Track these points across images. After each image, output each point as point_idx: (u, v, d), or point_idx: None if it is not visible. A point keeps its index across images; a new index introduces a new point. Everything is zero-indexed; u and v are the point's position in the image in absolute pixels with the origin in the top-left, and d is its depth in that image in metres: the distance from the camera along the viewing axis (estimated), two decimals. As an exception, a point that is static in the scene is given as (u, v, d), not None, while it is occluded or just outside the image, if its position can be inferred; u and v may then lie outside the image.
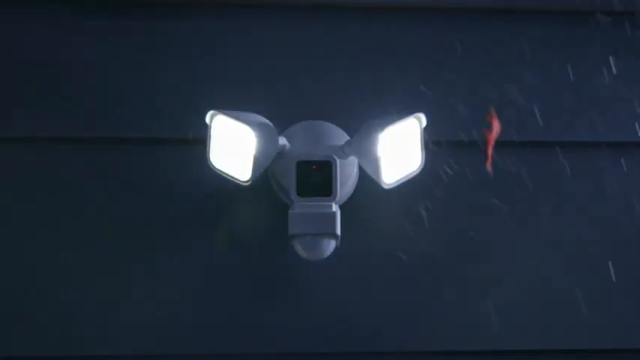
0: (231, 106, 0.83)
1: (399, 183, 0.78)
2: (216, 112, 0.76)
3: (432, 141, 0.86)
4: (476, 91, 0.91)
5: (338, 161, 0.79)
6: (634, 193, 0.91)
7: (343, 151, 0.80)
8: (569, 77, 0.92)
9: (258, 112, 0.83)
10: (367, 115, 0.85)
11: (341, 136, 0.87)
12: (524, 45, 0.92)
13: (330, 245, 0.79)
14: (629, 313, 0.89)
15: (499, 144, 0.88)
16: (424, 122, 0.76)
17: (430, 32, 0.93)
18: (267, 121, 0.78)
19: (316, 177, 0.78)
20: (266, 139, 0.75)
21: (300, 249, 0.79)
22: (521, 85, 0.92)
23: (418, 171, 0.78)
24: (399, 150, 0.78)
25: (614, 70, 0.92)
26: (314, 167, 0.78)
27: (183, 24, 0.90)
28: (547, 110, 0.91)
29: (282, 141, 0.79)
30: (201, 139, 0.80)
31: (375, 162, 0.75)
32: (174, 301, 0.86)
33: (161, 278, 0.86)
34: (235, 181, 0.77)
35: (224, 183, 0.79)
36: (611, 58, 0.92)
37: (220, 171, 0.78)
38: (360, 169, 0.86)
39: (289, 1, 0.92)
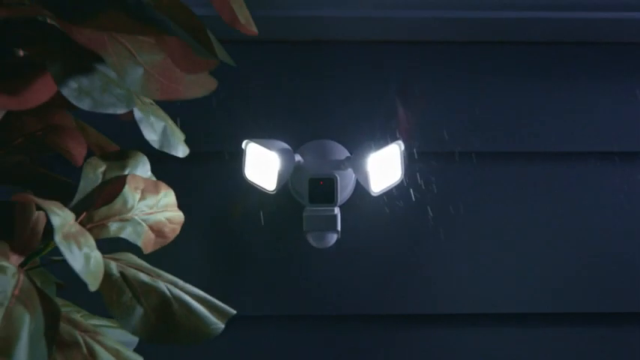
0: (257, 128, 0.95)
1: (384, 191, 0.88)
2: (249, 140, 0.89)
3: (417, 152, 0.95)
4: (459, 110, 0.98)
5: (339, 177, 0.88)
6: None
7: (343, 165, 0.91)
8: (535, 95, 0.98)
9: (280, 132, 0.94)
10: (362, 135, 0.97)
11: (342, 152, 0.96)
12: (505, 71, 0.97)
13: (333, 237, 0.90)
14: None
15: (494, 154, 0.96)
16: (403, 147, 0.89)
17: (417, 63, 0.98)
18: (287, 146, 0.90)
19: (323, 189, 0.88)
20: (286, 160, 0.87)
21: (311, 240, 0.90)
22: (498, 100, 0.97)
23: (398, 182, 0.89)
24: (384, 167, 0.88)
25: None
26: (321, 183, 0.88)
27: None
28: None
29: (297, 157, 0.90)
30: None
31: (365, 175, 0.86)
32: (224, 270, 0.97)
33: (215, 254, 0.96)
34: (264, 190, 0.89)
35: (257, 191, 0.89)
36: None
37: (253, 183, 0.90)
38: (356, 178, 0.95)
39: (299, 38, 0.98)
